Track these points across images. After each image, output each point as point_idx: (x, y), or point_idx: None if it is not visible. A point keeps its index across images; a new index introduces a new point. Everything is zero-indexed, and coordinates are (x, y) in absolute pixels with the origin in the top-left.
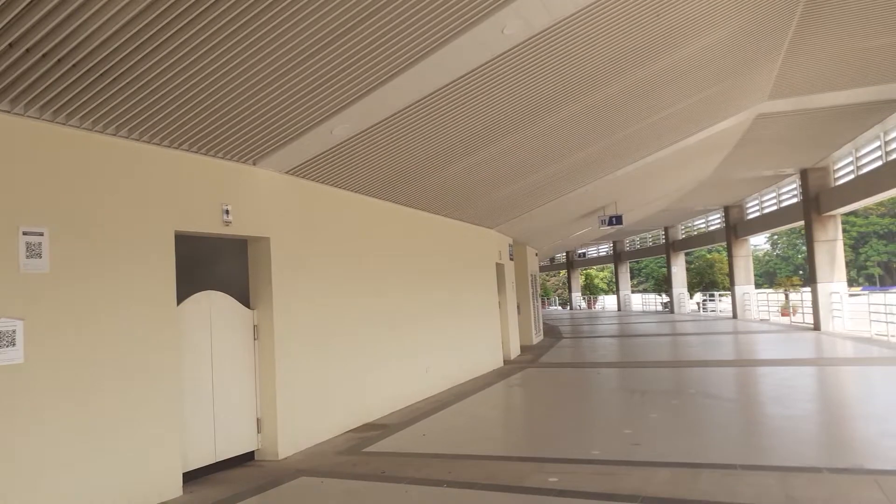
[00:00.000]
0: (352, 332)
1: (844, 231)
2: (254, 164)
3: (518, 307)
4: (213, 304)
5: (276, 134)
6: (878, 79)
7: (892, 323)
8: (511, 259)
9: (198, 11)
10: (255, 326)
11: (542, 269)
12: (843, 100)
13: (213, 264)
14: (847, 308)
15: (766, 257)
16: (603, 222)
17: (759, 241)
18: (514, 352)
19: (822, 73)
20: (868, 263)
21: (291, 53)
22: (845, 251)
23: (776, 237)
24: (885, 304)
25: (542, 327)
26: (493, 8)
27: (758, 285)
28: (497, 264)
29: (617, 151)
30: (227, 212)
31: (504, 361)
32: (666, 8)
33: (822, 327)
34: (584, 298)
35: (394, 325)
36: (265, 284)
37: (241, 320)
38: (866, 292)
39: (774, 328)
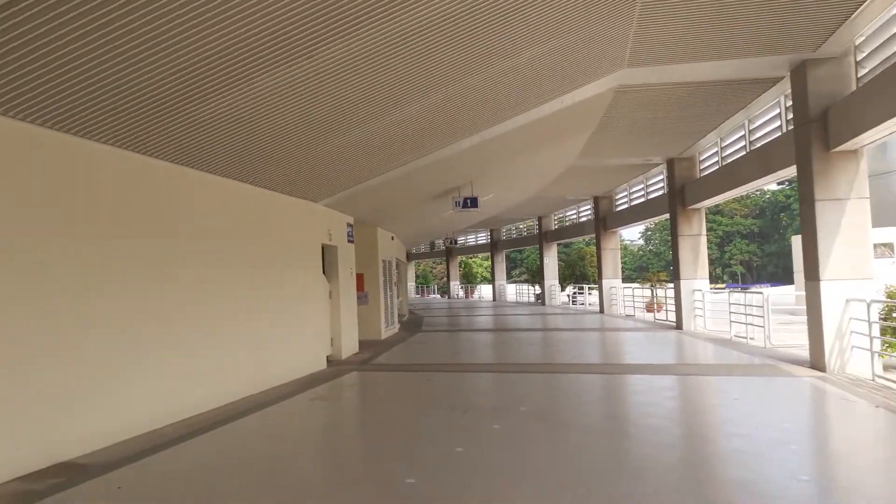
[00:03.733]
0: (46, 325)
1: (711, 230)
2: None
3: (364, 296)
4: None
5: None
6: (738, 52)
7: (751, 325)
8: (351, 241)
9: None
10: None
11: (422, 255)
12: (706, 74)
13: None
14: (709, 307)
15: (640, 252)
16: (457, 204)
17: (634, 235)
18: (350, 349)
19: (682, 39)
20: (732, 262)
21: None
22: (712, 249)
23: (650, 232)
24: (744, 305)
25: (396, 319)
26: None
27: (630, 280)
28: (326, 245)
29: (453, 114)
30: None
31: (329, 362)
32: None
33: (684, 326)
34: (461, 287)
35: (136, 319)
36: None
37: None
38: (728, 289)
39: (638, 325)
